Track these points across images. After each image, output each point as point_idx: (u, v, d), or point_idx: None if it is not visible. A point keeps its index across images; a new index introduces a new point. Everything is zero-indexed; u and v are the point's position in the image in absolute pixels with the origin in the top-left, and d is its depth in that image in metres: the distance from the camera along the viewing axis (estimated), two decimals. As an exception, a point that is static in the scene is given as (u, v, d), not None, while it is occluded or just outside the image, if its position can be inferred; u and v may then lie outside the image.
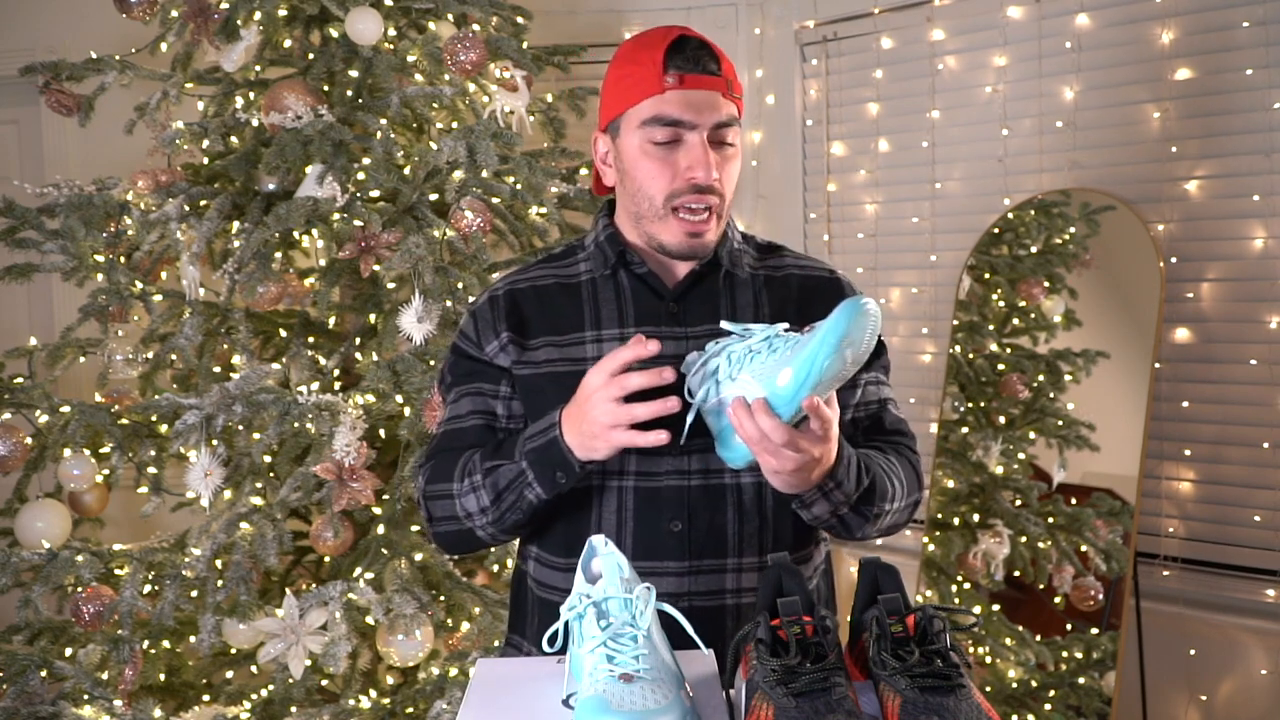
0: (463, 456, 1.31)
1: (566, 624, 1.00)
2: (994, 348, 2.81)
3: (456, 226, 2.29)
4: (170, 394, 2.25)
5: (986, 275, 2.84)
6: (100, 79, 2.49)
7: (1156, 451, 2.56)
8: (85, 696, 2.13)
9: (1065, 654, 2.54)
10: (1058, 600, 2.60)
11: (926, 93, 3.01)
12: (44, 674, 2.17)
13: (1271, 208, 2.43)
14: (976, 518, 2.78)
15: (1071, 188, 2.70)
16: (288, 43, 2.53)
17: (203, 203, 2.38)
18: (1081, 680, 2.49)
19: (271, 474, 2.32)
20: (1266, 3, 2.39)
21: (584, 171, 2.68)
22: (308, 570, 2.54)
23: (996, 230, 2.81)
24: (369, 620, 2.13)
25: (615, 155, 1.35)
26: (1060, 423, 2.67)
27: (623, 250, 1.35)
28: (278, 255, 2.38)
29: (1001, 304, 2.81)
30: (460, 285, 2.22)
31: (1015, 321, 2.79)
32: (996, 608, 2.72)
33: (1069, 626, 2.56)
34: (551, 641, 1.03)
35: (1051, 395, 2.69)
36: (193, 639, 2.25)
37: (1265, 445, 2.44)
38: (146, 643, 2.20)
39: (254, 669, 2.38)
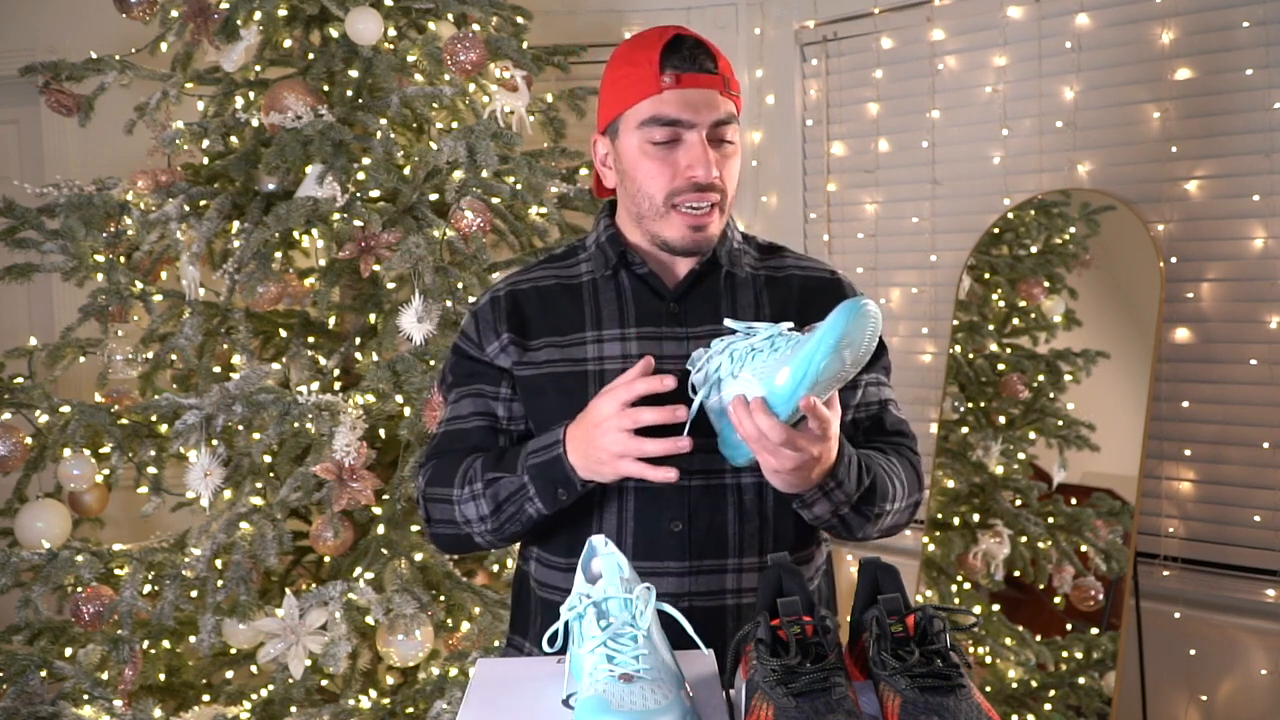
0: (464, 462, 1.31)
1: (567, 624, 1.00)
2: (994, 348, 2.81)
3: (456, 226, 2.29)
4: (170, 394, 2.25)
5: (986, 275, 2.84)
6: (100, 79, 2.49)
7: (1156, 451, 2.56)
8: (85, 696, 2.13)
9: (1065, 654, 2.54)
10: (1058, 600, 2.60)
11: (926, 93, 3.01)
12: (44, 674, 2.17)
13: (1271, 208, 2.43)
14: (976, 518, 2.78)
15: (1071, 188, 2.70)
16: (288, 43, 2.53)
17: (203, 203, 2.38)
18: (1081, 680, 2.49)
19: (271, 474, 2.31)
20: (1266, 3, 2.40)
21: (584, 171, 2.68)
22: (308, 570, 2.54)
23: (996, 230, 2.81)
24: (369, 620, 2.13)
25: (615, 157, 1.35)
26: (1060, 423, 2.67)
27: (624, 251, 1.35)
28: (278, 255, 2.38)
29: (1001, 304, 2.81)
30: (460, 285, 2.22)
31: (1015, 321, 2.79)
32: (996, 608, 2.72)
33: (1069, 626, 2.56)
34: (552, 641, 1.03)
35: (1051, 395, 2.69)
36: (193, 639, 2.25)
37: (1265, 445, 2.44)
38: (146, 643, 2.20)
39: (254, 669, 2.38)
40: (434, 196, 2.39)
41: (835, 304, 1.09)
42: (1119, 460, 2.54)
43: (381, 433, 2.35)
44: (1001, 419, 2.78)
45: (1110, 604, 2.50)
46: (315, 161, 2.26)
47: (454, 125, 2.59)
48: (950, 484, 2.85)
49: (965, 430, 2.84)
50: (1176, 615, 2.54)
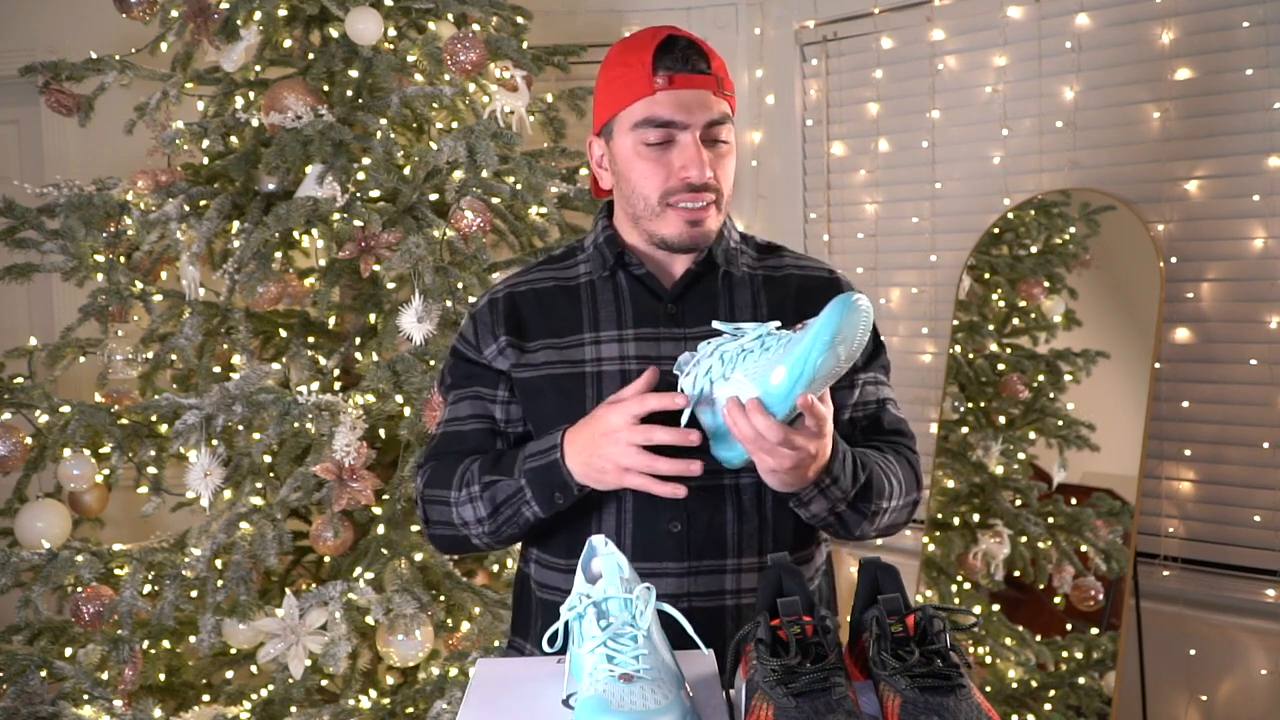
0: (462, 464, 1.32)
1: (567, 624, 1.01)
2: (994, 348, 2.81)
3: (456, 226, 2.29)
4: (170, 394, 2.25)
5: (986, 275, 2.84)
6: (100, 79, 2.49)
7: (1156, 451, 2.56)
8: (85, 696, 2.13)
9: (1065, 654, 2.54)
10: (1058, 600, 2.60)
11: (926, 93, 3.01)
12: (44, 674, 2.17)
13: (1271, 208, 2.43)
14: (976, 518, 2.78)
15: (1071, 188, 2.70)
16: (288, 43, 2.53)
17: (203, 203, 2.38)
18: (1081, 680, 2.49)
19: (271, 474, 2.32)
20: (1266, 3, 2.40)
21: (584, 172, 2.68)
22: (308, 570, 2.54)
23: (996, 230, 2.81)
24: (369, 620, 2.13)
25: (610, 158, 1.35)
26: (1060, 423, 2.67)
27: (621, 252, 1.36)
28: (278, 255, 2.38)
29: (1001, 304, 2.81)
30: (460, 285, 2.22)
31: (1015, 321, 2.79)
32: (996, 608, 2.72)
33: (1069, 626, 2.56)
34: (552, 641, 1.03)
35: (1051, 395, 2.69)
36: (193, 639, 2.25)
37: (1265, 445, 2.44)
38: (146, 643, 2.20)
39: (254, 669, 2.38)
40: (434, 196, 2.39)
41: None
42: (1119, 460, 2.54)
43: (381, 433, 2.35)
44: (1001, 419, 2.78)
45: (1110, 604, 2.50)
46: (315, 161, 2.26)
47: (454, 125, 2.59)
48: (950, 484, 2.85)
49: (965, 430, 2.84)
50: (1176, 615, 2.54)
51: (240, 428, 2.20)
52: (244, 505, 2.23)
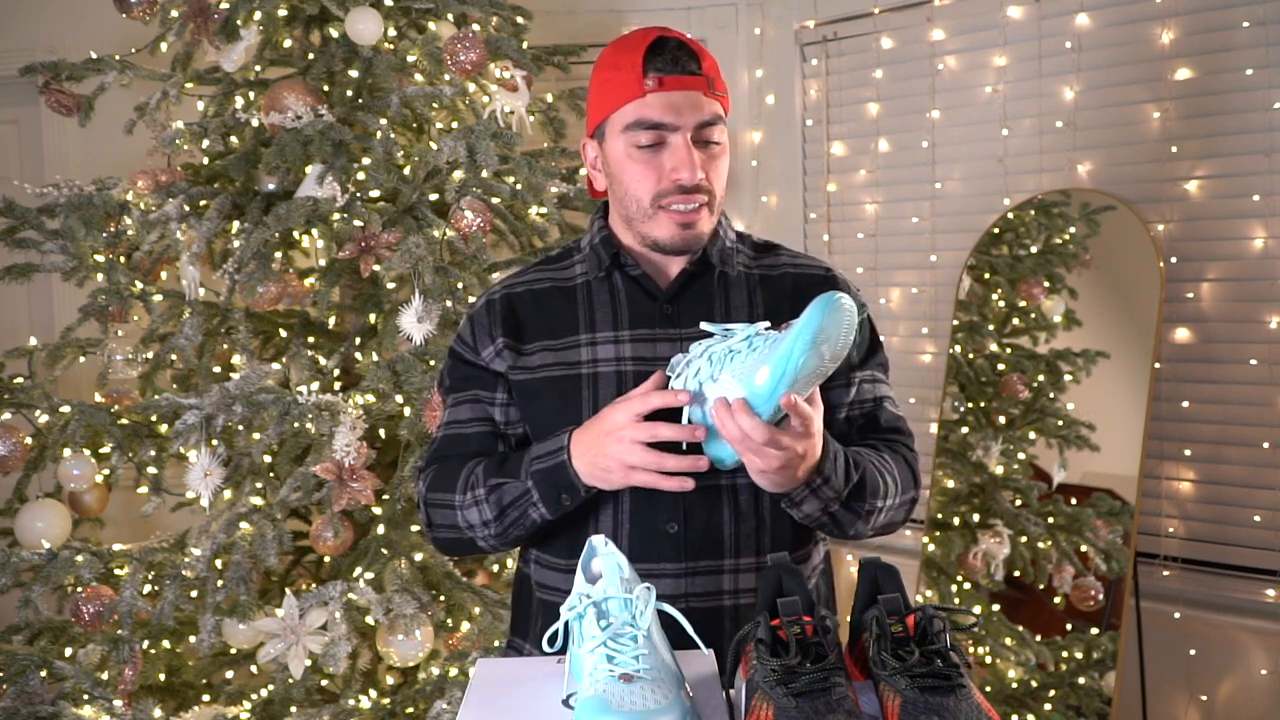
0: (465, 467, 1.32)
1: (566, 624, 1.01)
2: (994, 348, 2.81)
3: (456, 226, 2.29)
4: (170, 394, 2.25)
5: (986, 275, 2.84)
6: (100, 79, 2.49)
7: (1156, 451, 2.56)
8: (85, 696, 2.13)
9: (1065, 654, 2.54)
10: (1058, 600, 2.60)
11: (926, 93, 3.01)
12: (44, 674, 2.17)
13: (1271, 208, 2.43)
14: (976, 518, 2.78)
15: (1071, 188, 2.70)
16: (288, 43, 2.53)
17: (203, 203, 2.38)
18: (1081, 680, 2.49)
19: (271, 474, 2.32)
20: (1266, 3, 2.40)
21: (583, 172, 2.67)
22: (308, 570, 2.54)
23: (996, 230, 2.81)
24: (369, 620, 2.13)
25: (603, 160, 1.35)
26: (1060, 423, 2.67)
27: (617, 253, 1.36)
28: (278, 255, 2.38)
29: (1001, 304, 2.81)
30: (460, 285, 2.22)
31: (1015, 321, 2.79)
32: (996, 608, 2.72)
33: (1069, 626, 2.56)
34: (551, 641, 1.03)
35: (1051, 395, 2.69)
36: (193, 639, 2.25)
37: (1265, 445, 2.44)
38: (146, 643, 2.20)
39: (254, 669, 2.38)
40: (434, 196, 2.39)
41: None
42: (1119, 460, 2.54)
43: (381, 433, 2.35)
44: (1001, 419, 2.78)
45: (1110, 604, 2.50)
46: (315, 161, 2.26)
47: (454, 125, 2.59)
48: (950, 484, 2.85)
49: (965, 430, 2.84)
50: (1176, 615, 2.54)
51: (240, 428, 2.20)
52: (244, 505, 2.23)
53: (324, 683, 2.29)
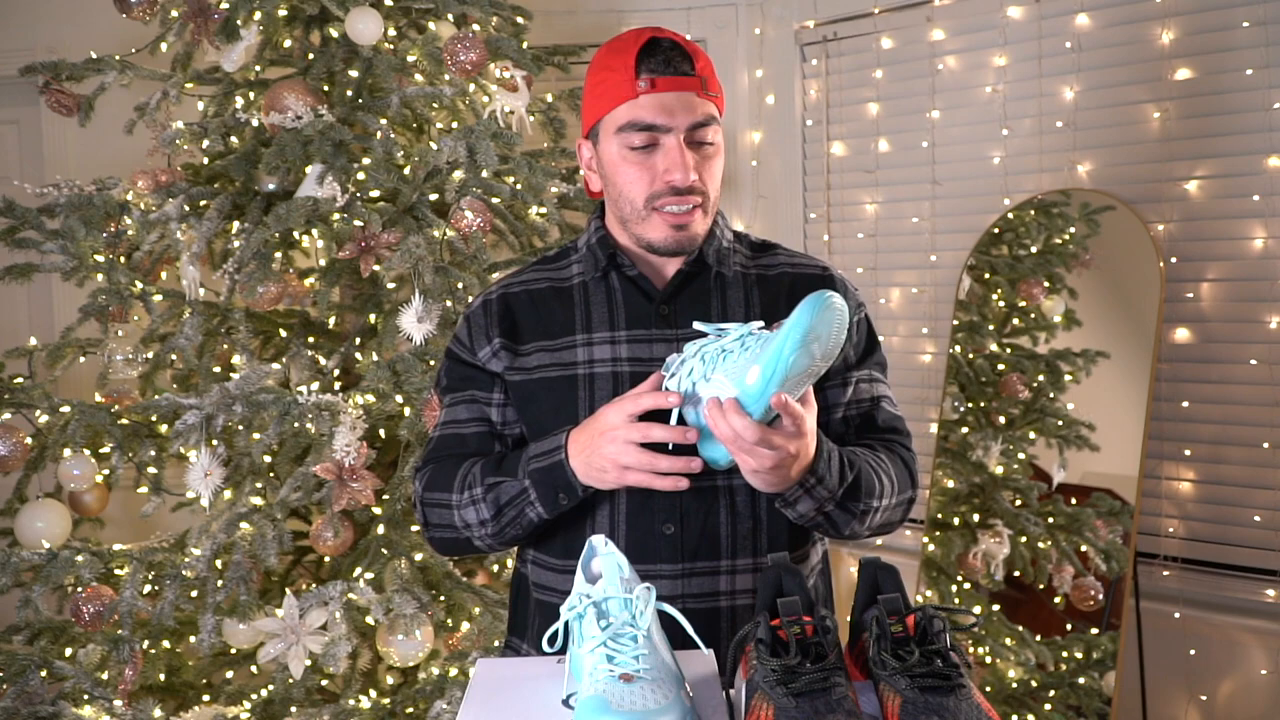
0: (462, 467, 1.32)
1: (566, 624, 1.00)
2: (994, 348, 2.81)
3: (456, 226, 2.29)
4: (170, 394, 2.25)
5: (986, 275, 2.84)
6: (100, 79, 2.49)
7: (1156, 451, 2.56)
8: (85, 696, 2.13)
9: (1065, 654, 2.54)
10: (1058, 600, 2.60)
11: (926, 93, 3.01)
12: (44, 674, 2.17)
13: (1271, 208, 2.43)
14: (976, 518, 2.78)
15: (1071, 188, 2.70)
16: (288, 43, 2.53)
17: (203, 203, 2.38)
18: (1081, 680, 2.49)
19: (271, 474, 2.32)
20: (1266, 3, 2.40)
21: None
22: (308, 570, 2.54)
23: (996, 230, 2.81)
24: (369, 620, 2.13)
25: (597, 161, 1.35)
26: (1060, 423, 2.67)
27: (613, 253, 1.36)
28: (278, 255, 2.38)
29: (1001, 304, 2.81)
30: (460, 285, 2.22)
31: (1015, 321, 2.79)
32: (996, 608, 2.72)
33: (1069, 626, 2.56)
34: (551, 641, 1.03)
35: (1051, 395, 2.69)
36: (193, 639, 2.25)
37: (1265, 445, 2.44)
38: (146, 643, 2.20)
39: (254, 669, 2.38)
40: (434, 196, 2.39)
41: None
42: (1119, 460, 2.54)
43: (381, 433, 2.35)
44: (1001, 419, 2.78)
45: (1110, 604, 2.50)
46: (315, 161, 2.26)
47: (454, 125, 2.59)
48: (950, 484, 2.85)
49: (965, 430, 2.84)
50: (1176, 615, 2.54)
51: (240, 428, 2.20)
52: (244, 505, 2.23)
53: (324, 683, 2.29)
